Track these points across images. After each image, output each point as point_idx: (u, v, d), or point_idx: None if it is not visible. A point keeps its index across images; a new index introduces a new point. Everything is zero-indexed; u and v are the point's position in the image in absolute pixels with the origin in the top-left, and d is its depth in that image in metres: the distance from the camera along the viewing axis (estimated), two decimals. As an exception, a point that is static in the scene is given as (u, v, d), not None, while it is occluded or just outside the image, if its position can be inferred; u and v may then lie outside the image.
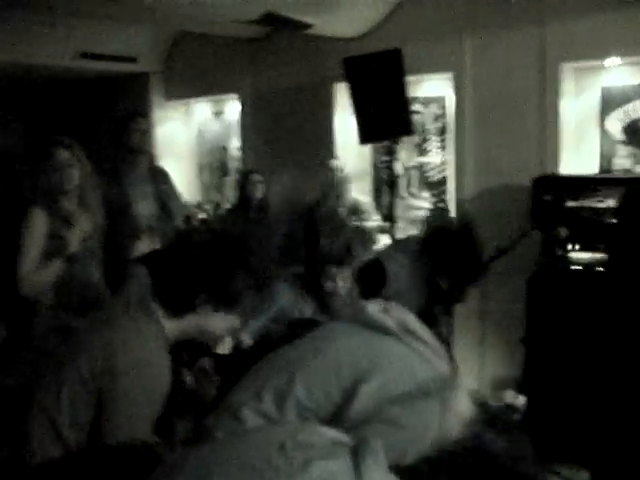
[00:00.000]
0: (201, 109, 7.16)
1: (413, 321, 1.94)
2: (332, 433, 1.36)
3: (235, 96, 6.44)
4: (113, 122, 4.62)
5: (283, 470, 1.21)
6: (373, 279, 3.26)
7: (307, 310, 3.60)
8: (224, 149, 6.94)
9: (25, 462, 1.91)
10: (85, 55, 6.11)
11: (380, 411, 1.75)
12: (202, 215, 6.42)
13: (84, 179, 3.34)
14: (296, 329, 2.64)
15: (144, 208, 4.34)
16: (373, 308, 1.98)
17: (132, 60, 6.54)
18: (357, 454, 1.24)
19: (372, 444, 1.26)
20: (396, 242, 4.26)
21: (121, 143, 4.39)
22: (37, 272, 3.16)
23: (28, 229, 3.18)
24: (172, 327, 2.01)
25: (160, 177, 4.55)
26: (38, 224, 3.19)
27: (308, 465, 1.20)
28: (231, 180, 6.84)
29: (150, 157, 4.62)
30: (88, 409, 1.88)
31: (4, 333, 3.25)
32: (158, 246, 4.25)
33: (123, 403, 1.85)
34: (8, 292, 3.21)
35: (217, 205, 6.74)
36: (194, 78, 6.68)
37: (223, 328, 2.10)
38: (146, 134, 4.48)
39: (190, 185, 7.06)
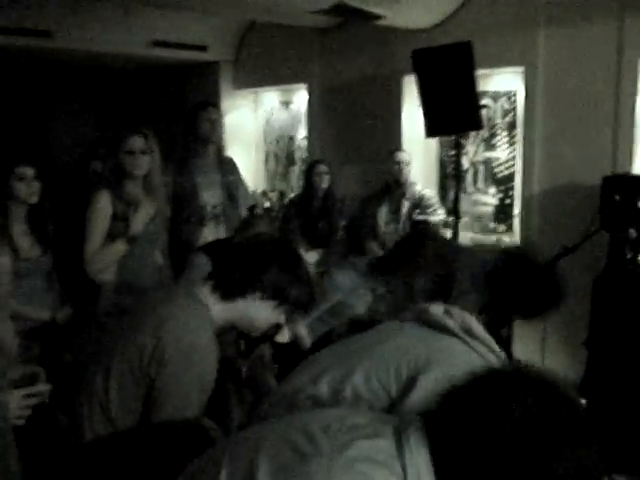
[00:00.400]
0: (269, 98, 7.21)
1: (475, 325, 1.95)
2: (377, 413, 1.37)
3: (303, 86, 6.46)
4: (185, 110, 4.70)
5: (325, 449, 1.22)
6: None
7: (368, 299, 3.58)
8: (291, 139, 6.98)
9: (79, 438, 1.97)
10: (157, 43, 6.25)
11: None
12: (267, 204, 6.50)
13: (152, 166, 3.44)
14: (359, 329, 2.64)
15: (211, 196, 4.41)
16: (436, 309, 2.00)
17: (203, 49, 6.64)
18: (400, 432, 1.25)
19: (415, 422, 1.27)
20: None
21: (191, 131, 4.47)
22: (100, 252, 3.27)
23: (94, 210, 3.30)
24: (219, 311, 2.04)
25: (228, 167, 4.60)
26: (104, 205, 3.30)
27: (350, 445, 1.22)
28: (297, 170, 6.89)
29: (219, 147, 4.69)
30: (137, 400, 1.91)
31: (69, 311, 3.36)
32: (223, 233, 4.33)
33: (172, 391, 1.88)
34: (75, 271, 3.33)
35: (282, 194, 6.79)
36: (263, 67, 6.74)
37: (266, 319, 2.12)
38: (216, 124, 4.52)
39: (256, 173, 7.14)
